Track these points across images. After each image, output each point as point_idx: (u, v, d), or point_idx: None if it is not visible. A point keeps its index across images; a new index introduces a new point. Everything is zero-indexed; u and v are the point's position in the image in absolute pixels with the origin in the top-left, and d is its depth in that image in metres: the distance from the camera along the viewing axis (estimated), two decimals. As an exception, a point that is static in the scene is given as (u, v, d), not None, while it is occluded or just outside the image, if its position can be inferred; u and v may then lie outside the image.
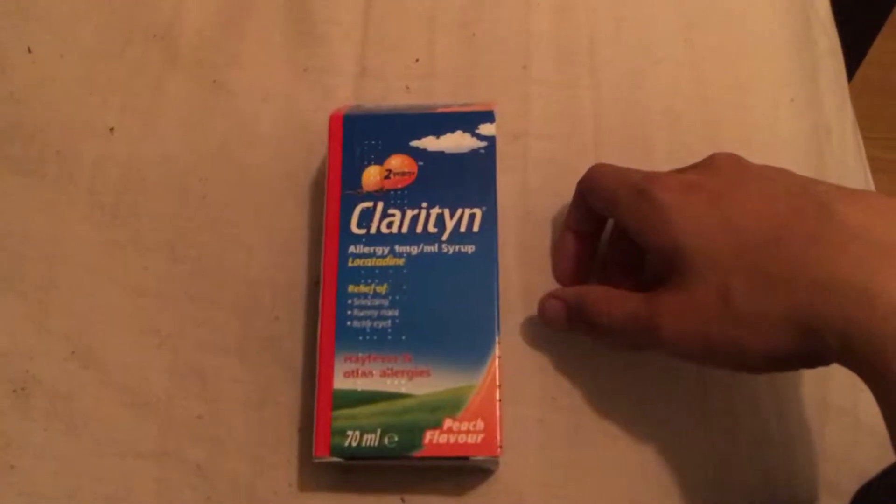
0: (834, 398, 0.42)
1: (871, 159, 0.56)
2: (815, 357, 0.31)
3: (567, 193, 0.42)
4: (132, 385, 0.42)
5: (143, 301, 0.43)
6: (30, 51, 0.49)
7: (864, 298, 0.28)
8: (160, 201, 0.45)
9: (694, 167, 0.37)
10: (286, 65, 0.48)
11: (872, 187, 0.53)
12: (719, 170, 0.36)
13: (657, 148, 0.45)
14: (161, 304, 0.43)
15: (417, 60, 0.48)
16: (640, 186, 0.36)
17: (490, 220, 0.38)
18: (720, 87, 0.47)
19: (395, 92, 0.47)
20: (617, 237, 0.42)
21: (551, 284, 0.43)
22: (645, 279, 0.41)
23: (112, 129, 0.47)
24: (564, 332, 0.40)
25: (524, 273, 0.43)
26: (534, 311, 0.42)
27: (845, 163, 0.50)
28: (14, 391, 0.42)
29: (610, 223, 0.42)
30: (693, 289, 0.33)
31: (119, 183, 0.46)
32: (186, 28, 0.49)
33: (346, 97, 0.47)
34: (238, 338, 0.43)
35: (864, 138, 0.57)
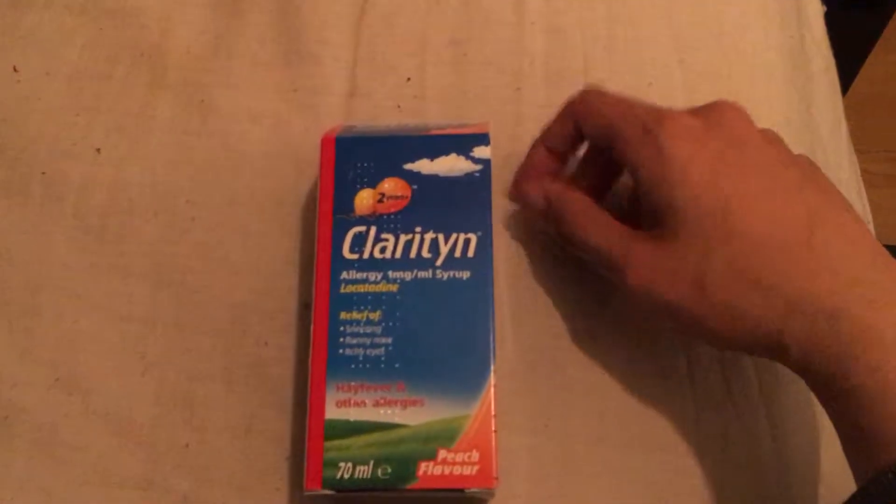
0: (828, 422, 0.42)
1: (865, 173, 0.56)
2: (772, 355, 0.34)
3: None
4: (117, 413, 0.41)
5: (129, 327, 0.43)
6: (15, 70, 0.48)
7: (832, 323, 0.31)
8: (146, 224, 0.45)
9: (700, 112, 0.36)
10: (275, 85, 0.47)
11: (866, 202, 0.53)
12: (726, 128, 0.35)
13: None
14: (146, 330, 0.42)
15: (409, 80, 0.47)
16: (648, 126, 0.35)
17: (485, 245, 0.38)
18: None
19: (385, 111, 0.47)
20: (593, 157, 0.42)
21: (543, 308, 0.42)
22: (622, 204, 0.42)
23: (98, 150, 0.46)
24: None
25: (515, 297, 0.43)
26: (524, 336, 0.42)
27: (839, 179, 0.50)
28: (-4, 419, 0.41)
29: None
30: (673, 252, 0.34)
31: (105, 205, 0.45)
32: (174, 48, 0.48)
33: (336, 117, 0.46)
34: (225, 364, 0.42)
35: (858, 153, 0.57)
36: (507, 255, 0.43)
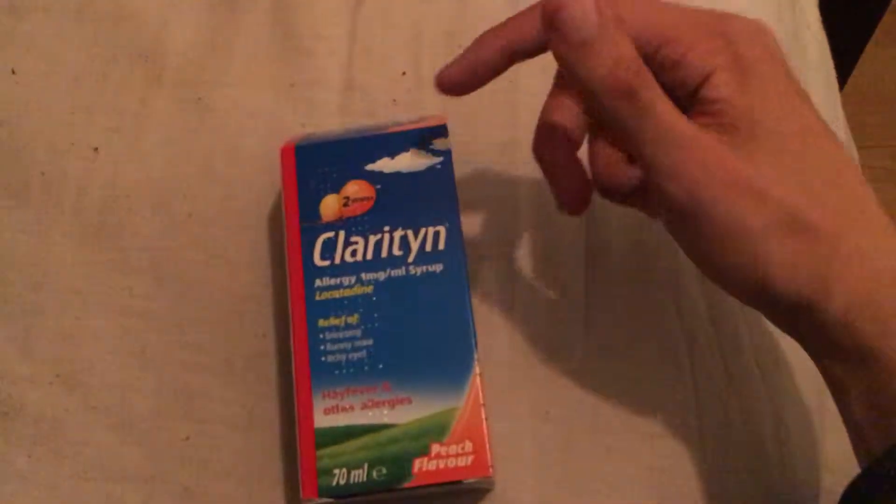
0: (833, 404, 0.41)
1: (865, 167, 0.56)
2: (799, 309, 0.29)
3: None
4: (117, 407, 0.41)
5: (128, 322, 0.43)
6: (13, 72, 0.49)
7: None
8: (145, 221, 0.45)
9: (750, 26, 0.32)
10: (272, 81, 0.48)
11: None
12: (777, 53, 0.31)
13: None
14: (146, 325, 0.43)
15: (404, 73, 0.47)
16: (716, 29, 0.31)
17: (455, 235, 0.38)
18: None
19: (382, 106, 0.47)
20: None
21: (540, 294, 0.42)
22: None
23: (96, 150, 0.46)
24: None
25: (508, 283, 0.43)
26: (517, 323, 0.42)
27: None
28: (-3, 416, 0.41)
29: None
30: (749, 162, 0.29)
31: (104, 203, 0.45)
32: (171, 47, 0.49)
33: (332, 112, 0.47)
34: (224, 357, 0.42)
35: (858, 148, 0.56)
36: (505, 239, 0.43)
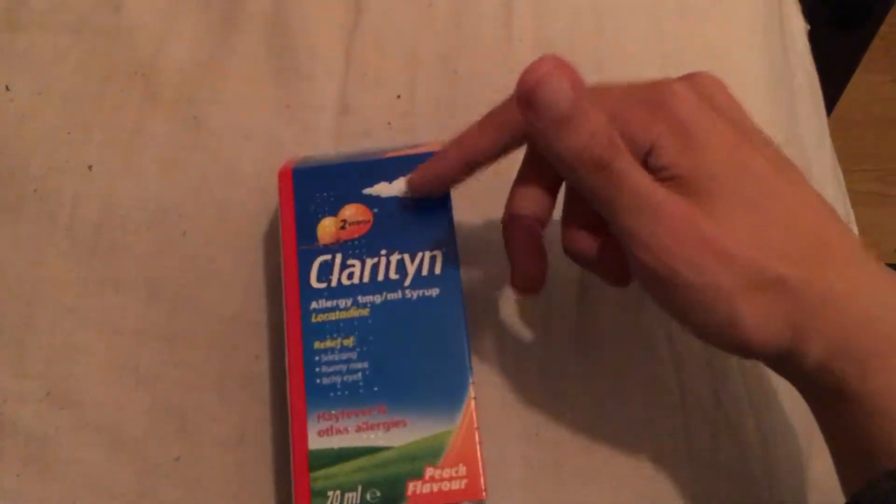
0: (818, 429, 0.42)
1: (852, 191, 0.56)
2: (781, 354, 0.30)
3: (550, 225, 0.41)
4: (109, 426, 0.41)
5: (121, 340, 0.43)
6: (8, 88, 0.49)
7: (866, 323, 0.29)
8: (139, 239, 0.45)
9: (688, 81, 0.33)
10: (267, 101, 0.48)
11: (853, 220, 0.54)
12: (718, 98, 0.32)
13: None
14: (139, 343, 0.43)
15: (399, 97, 0.48)
16: (653, 100, 0.32)
17: (451, 260, 0.38)
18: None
19: (376, 128, 0.47)
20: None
21: (529, 317, 0.43)
22: None
23: (91, 167, 0.46)
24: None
25: (500, 306, 0.43)
26: (509, 346, 0.42)
27: (826, 195, 0.50)
28: (-13, 434, 0.41)
29: None
30: (707, 217, 0.30)
31: (97, 220, 0.45)
32: (167, 65, 0.49)
33: (327, 134, 0.47)
34: (218, 377, 0.42)
35: (845, 171, 0.57)
36: (498, 263, 0.44)
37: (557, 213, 0.37)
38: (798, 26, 0.55)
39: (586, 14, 0.49)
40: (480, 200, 0.45)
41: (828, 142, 0.55)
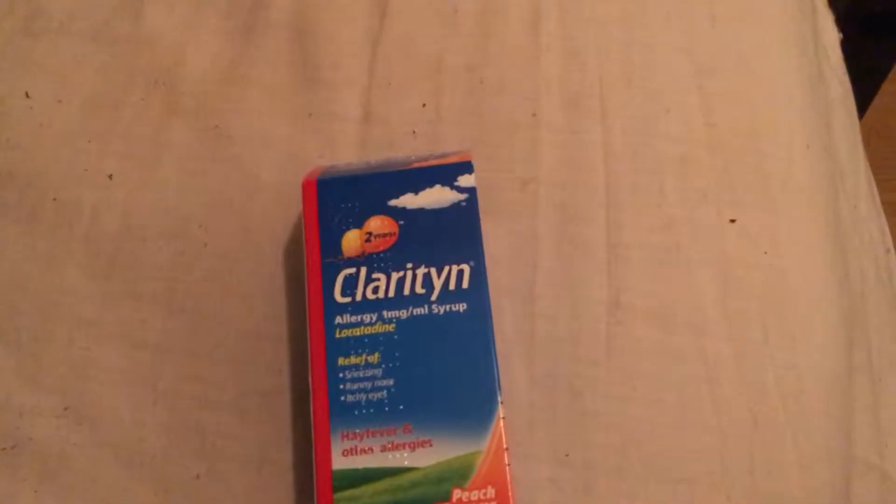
0: (859, 451, 0.41)
1: (885, 203, 0.55)
2: None
3: (580, 240, 0.40)
4: (127, 443, 0.40)
5: (140, 354, 0.42)
6: (27, 96, 0.48)
7: None
8: (159, 250, 0.44)
9: None
10: (289, 111, 0.47)
11: (887, 230, 0.53)
12: None
13: (670, 195, 0.44)
14: (158, 358, 0.42)
15: (424, 105, 0.47)
16: None
17: (479, 274, 0.37)
18: (734, 133, 0.46)
19: (400, 137, 0.46)
20: None
21: (559, 334, 0.42)
22: None
23: (111, 177, 0.46)
24: None
25: (528, 322, 0.42)
26: (538, 364, 0.41)
27: (858, 208, 0.49)
28: (3, 449, 0.40)
29: None
30: None
31: (117, 232, 0.45)
32: (188, 74, 0.48)
33: (351, 143, 0.46)
34: (238, 393, 0.41)
35: (877, 181, 0.56)
36: (524, 278, 0.43)
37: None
38: (832, 37, 0.53)
39: (615, 23, 0.48)
40: (506, 213, 0.44)
41: (861, 153, 0.54)
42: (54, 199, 0.45)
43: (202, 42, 0.49)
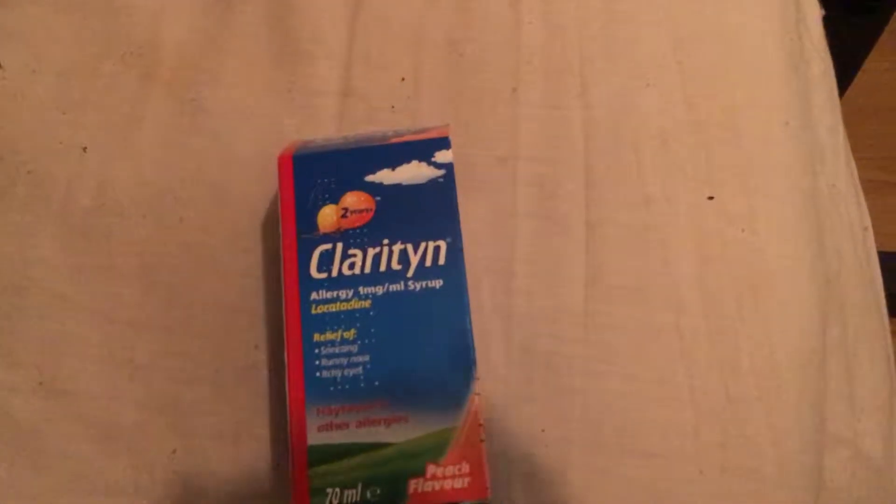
0: (832, 426, 0.41)
1: (864, 181, 0.55)
2: None
3: (558, 217, 0.40)
4: (102, 418, 0.40)
5: (115, 329, 0.42)
6: (0, 66, 0.47)
7: None
8: (134, 224, 0.44)
9: None
10: (268, 84, 0.46)
11: (865, 208, 0.53)
12: None
13: (649, 171, 0.44)
14: (133, 333, 0.42)
15: (403, 80, 0.46)
16: None
17: (456, 251, 0.36)
18: (713, 109, 0.45)
19: (379, 112, 0.46)
20: None
21: (537, 312, 0.42)
22: None
23: (85, 149, 0.45)
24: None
25: (505, 299, 0.42)
26: (514, 340, 0.41)
27: (837, 186, 0.49)
28: (-23, 424, 0.40)
29: None
30: None
31: (92, 205, 0.44)
32: (165, 45, 0.47)
33: (329, 118, 0.46)
34: (214, 368, 0.41)
35: (856, 158, 0.56)
36: (502, 253, 0.43)
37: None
38: (814, 14, 0.53)
39: (597, -4, 0.48)
40: (485, 189, 0.44)
41: (841, 130, 0.54)
42: (28, 172, 0.45)
43: (179, 12, 0.48)
